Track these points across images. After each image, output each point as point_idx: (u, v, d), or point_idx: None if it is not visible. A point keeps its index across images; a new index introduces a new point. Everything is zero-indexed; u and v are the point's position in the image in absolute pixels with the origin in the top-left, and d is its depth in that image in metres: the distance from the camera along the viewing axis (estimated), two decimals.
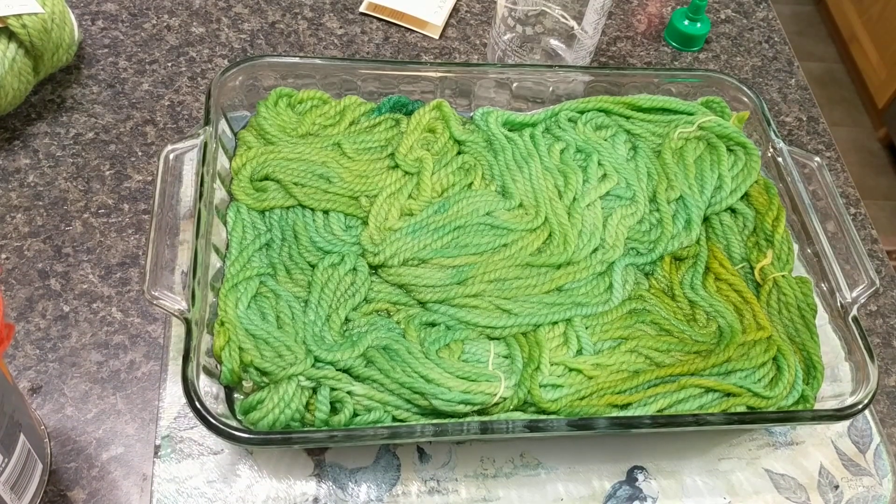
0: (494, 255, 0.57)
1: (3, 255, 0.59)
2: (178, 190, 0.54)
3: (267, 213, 0.57)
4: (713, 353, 0.54)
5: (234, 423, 0.46)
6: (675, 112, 0.66)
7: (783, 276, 0.58)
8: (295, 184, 0.58)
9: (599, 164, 0.63)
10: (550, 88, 0.67)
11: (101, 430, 0.52)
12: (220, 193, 0.57)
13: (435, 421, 0.49)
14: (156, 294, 0.48)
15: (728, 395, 0.52)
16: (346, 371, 0.50)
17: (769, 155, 0.65)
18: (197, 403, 0.45)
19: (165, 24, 0.75)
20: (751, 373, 0.53)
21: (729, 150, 0.64)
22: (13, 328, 0.42)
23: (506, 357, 0.53)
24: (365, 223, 0.57)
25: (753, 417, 0.52)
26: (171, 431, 0.52)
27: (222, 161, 0.58)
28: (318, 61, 0.63)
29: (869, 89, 2.01)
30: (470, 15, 0.81)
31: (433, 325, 0.54)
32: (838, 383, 0.55)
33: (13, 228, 0.60)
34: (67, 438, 0.52)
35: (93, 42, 0.73)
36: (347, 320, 0.53)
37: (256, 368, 0.49)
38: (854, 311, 0.55)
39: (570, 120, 0.65)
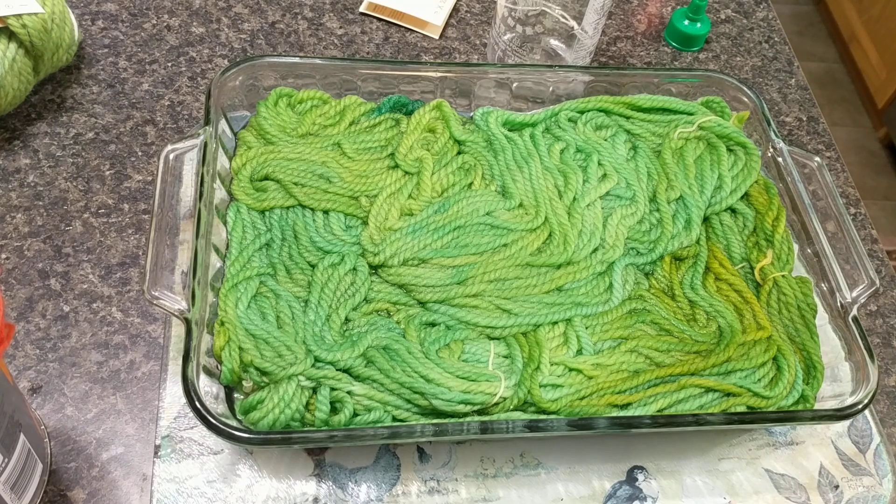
0: (494, 255, 0.57)
1: (3, 255, 0.59)
2: (178, 190, 0.54)
3: (267, 213, 0.57)
4: (713, 353, 0.54)
5: (234, 423, 0.46)
6: (675, 112, 0.66)
7: (783, 276, 0.58)
8: (295, 184, 0.58)
9: (599, 164, 0.63)
10: (550, 88, 0.67)
11: (101, 430, 0.52)
12: (220, 193, 0.57)
13: (435, 421, 0.49)
14: (156, 294, 0.48)
15: (728, 395, 0.52)
16: (346, 371, 0.50)
17: (769, 155, 0.65)
18: (197, 403, 0.45)
19: (165, 24, 0.75)
20: (751, 373, 0.53)
21: (729, 150, 0.64)
22: (13, 328, 0.42)
23: (506, 357, 0.53)
24: (365, 223, 0.57)
25: (753, 417, 0.52)
26: (171, 431, 0.52)
27: (222, 161, 0.58)
28: (318, 61, 0.63)
29: (869, 89, 2.01)
30: (470, 15, 0.81)
31: (433, 325, 0.54)
32: (838, 383, 0.55)
33: (13, 228, 0.60)
34: (67, 438, 0.52)
35: (93, 42, 0.73)
36: (347, 320, 0.53)
37: (256, 368, 0.49)
38: (854, 311, 0.55)
39: (570, 120, 0.65)
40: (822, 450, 0.57)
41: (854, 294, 0.56)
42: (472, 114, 0.65)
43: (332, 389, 0.49)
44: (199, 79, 0.72)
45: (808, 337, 0.56)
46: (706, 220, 0.62)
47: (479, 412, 0.50)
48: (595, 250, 0.58)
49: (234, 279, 0.52)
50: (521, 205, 0.60)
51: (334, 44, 0.77)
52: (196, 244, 0.51)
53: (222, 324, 0.50)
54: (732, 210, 0.63)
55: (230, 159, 0.59)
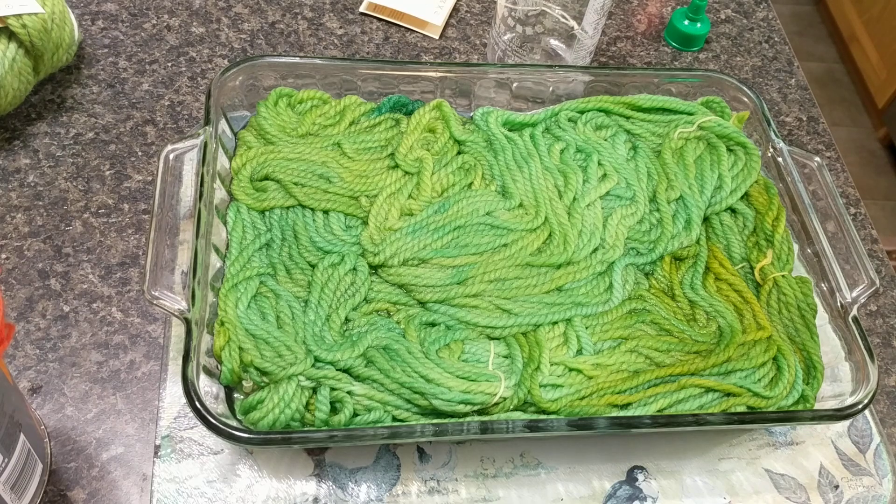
0: (494, 255, 0.57)
1: (3, 255, 0.59)
2: (178, 190, 0.54)
3: (267, 213, 0.57)
4: (713, 353, 0.54)
5: (234, 423, 0.46)
6: (675, 112, 0.66)
7: (783, 276, 0.58)
8: (295, 184, 0.58)
9: (599, 164, 0.63)
10: (550, 88, 0.67)
11: (101, 430, 0.52)
12: (220, 193, 0.57)
13: (435, 421, 0.49)
14: (156, 294, 0.48)
15: (728, 395, 0.52)
16: (346, 371, 0.50)
17: (769, 155, 0.65)
18: (197, 403, 0.45)
19: (165, 24, 0.75)
20: (751, 373, 0.53)
21: (729, 150, 0.64)
22: (13, 328, 0.42)
23: (506, 357, 0.53)
24: (365, 223, 0.57)
25: (753, 417, 0.52)
26: (171, 431, 0.52)
27: (222, 161, 0.58)
28: (318, 61, 0.63)
29: (869, 89, 2.01)
30: (470, 15, 0.81)
31: (433, 325, 0.54)
32: (838, 383, 0.55)
33: (13, 228, 0.60)
34: (67, 438, 0.52)
35: (93, 42, 0.73)
36: (347, 320, 0.53)
37: (256, 368, 0.49)
38: (854, 311, 0.55)
39: (570, 120, 0.65)
40: (822, 450, 0.57)
41: (854, 294, 0.56)
42: (472, 114, 0.65)
43: (332, 389, 0.49)
44: (199, 79, 0.72)
45: (808, 337, 0.56)
46: (706, 220, 0.62)
47: (479, 412, 0.50)
48: (595, 250, 0.58)
49: (234, 279, 0.52)
50: (521, 205, 0.60)
51: (334, 44, 0.77)
52: (196, 244, 0.51)
53: (222, 324, 0.50)
54: (732, 210, 0.63)
55: (230, 159, 0.59)
